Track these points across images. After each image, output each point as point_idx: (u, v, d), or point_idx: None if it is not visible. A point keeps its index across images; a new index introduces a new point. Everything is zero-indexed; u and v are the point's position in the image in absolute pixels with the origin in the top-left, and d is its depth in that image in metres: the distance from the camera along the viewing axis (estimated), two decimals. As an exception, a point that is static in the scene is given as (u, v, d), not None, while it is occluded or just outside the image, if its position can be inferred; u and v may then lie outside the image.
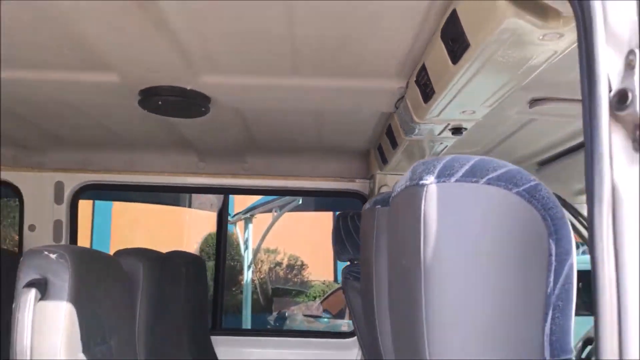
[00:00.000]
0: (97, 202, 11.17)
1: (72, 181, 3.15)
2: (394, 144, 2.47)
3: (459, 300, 1.05)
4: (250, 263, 9.08)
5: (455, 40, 1.37)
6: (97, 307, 1.72)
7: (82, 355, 1.59)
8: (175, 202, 7.08)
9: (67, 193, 3.15)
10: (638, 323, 0.77)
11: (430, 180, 1.08)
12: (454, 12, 1.35)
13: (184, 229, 11.31)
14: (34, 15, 1.44)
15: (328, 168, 3.09)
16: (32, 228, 3.14)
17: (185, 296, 2.58)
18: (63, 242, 3.11)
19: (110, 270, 1.88)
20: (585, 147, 0.88)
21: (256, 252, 9.10)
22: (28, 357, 1.41)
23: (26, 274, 1.51)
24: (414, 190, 1.06)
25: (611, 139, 0.86)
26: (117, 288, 1.90)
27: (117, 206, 11.56)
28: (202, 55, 1.74)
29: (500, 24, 1.19)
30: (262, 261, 10.74)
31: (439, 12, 1.42)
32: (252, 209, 8.92)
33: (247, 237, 9.09)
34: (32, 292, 1.45)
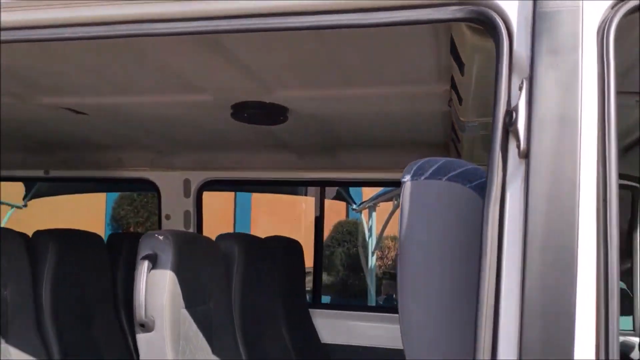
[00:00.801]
0: (238, 194, 12.29)
1: (197, 178, 3.77)
2: (458, 139, 2.72)
3: (425, 275, 1.37)
4: (374, 249, 9.49)
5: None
6: (197, 277, 2.22)
7: (184, 312, 2.10)
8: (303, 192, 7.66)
9: (193, 188, 3.78)
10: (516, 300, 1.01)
11: (407, 178, 1.42)
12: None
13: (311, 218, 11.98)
14: (139, 55, 1.94)
15: (410, 160, 3.36)
16: (167, 217, 3.81)
17: (281, 274, 3.04)
18: (191, 229, 3.74)
19: (208, 249, 2.38)
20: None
21: (379, 238, 9.47)
22: (143, 311, 1.93)
23: (143, 250, 2.04)
24: (400, 186, 1.40)
25: (503, 149, 1.13)
26: (214, 264, 2.40)
27: (256, 198, 12.51)
28: (273, 76, 2.16)
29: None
30: (388, 248, 11.09)
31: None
32: (375, 198, 9.32)
33: (371, 224, 9.51)
34: (146, 263, 1.98)
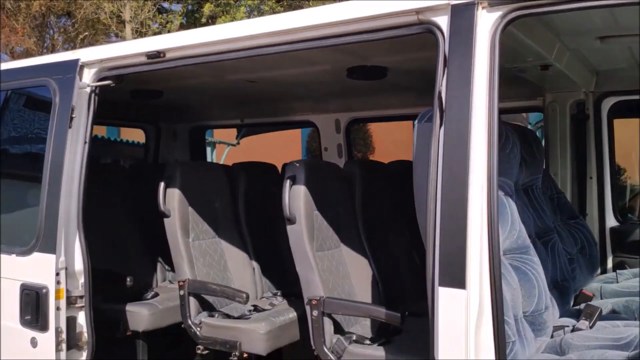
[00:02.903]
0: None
1: (344, 118, 4.79)
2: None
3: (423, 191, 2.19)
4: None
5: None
6: (325, 190, 3.25)
7: (316, 213, 3.16)
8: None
9: (342, 125, 4.81)
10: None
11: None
12: None
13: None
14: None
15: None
16: (326, 149, 4.92)
17: (402, 191, 3.92)
18: (343, 158, 4.81)
19: (334, 174, 3.41)
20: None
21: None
22: (287, 210, 3.04)
23: (287, 173, 3.13)
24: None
25: (439, 109, 1.95)
26: (339, 182, 3.42)
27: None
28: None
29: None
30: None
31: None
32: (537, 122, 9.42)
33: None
34: (288, 181, 3.06)
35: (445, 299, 1.91)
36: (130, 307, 3.79)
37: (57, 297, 2.78)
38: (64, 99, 2.87)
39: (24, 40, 16.79)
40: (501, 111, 1.95)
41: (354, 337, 2.91)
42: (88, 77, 2.99)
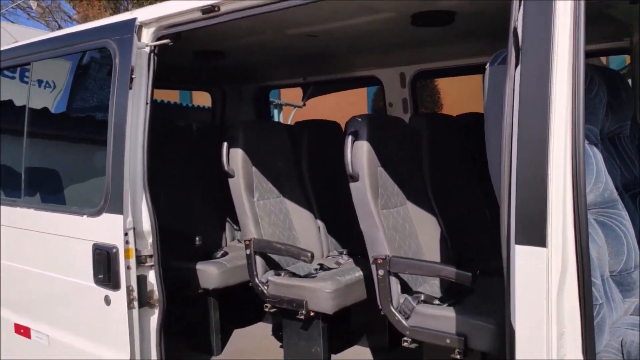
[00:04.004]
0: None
1: (409, 71, 4.51)
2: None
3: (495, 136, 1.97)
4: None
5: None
6: (388, 145, 3.06)
7: (380, 169, 2.99)
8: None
9: (407, 79, 4.54)
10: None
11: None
12: None
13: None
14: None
15: None
16: (390, 105, 4.68)
17: (471, 144, 3.66)
18: (408, 113, 4.56)
19: (399, 128, 3.20)
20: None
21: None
22: (350, 167, 2.88)
23: (349, 129, 2.95)
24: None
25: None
26: (404, 136, 3.21)
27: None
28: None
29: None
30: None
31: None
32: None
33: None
34: (350, 137, 2.89)
35: (523, 258, 1.69)
36: (200, 266, 3.80)
37: (127, 257, 2.77)
38: (123, 59, 2.80)
39: (101, 13, 17.22)
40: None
41: (422, 297, 2.75)
42: (147, 37, 2.91)
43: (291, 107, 11.62)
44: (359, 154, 2.89)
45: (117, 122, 2.77)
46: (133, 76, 2.76)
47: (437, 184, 3.32)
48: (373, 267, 2.86)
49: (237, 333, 4.21)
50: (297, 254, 3.29)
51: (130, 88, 2.77)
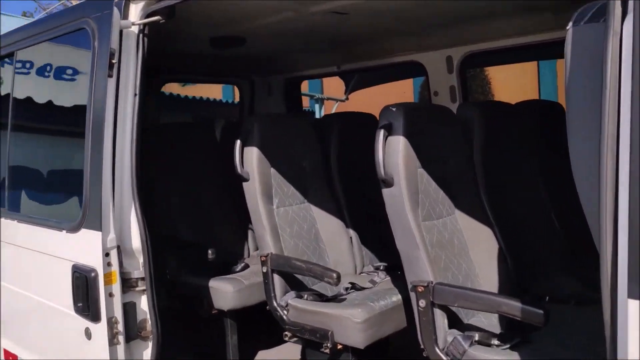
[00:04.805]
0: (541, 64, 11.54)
1: (458, 53, 3.84)
2: None
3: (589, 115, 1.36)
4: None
5: None
6: (432, 141, 2.45)
7: (420, 171, 2.38)
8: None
9: (455, 63, 3.88)
10: None
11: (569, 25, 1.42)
12: None
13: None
14: None
15: None
16: (436, 94, 4.02)
17: (535, 135, 2.99)
18: (457, 102, 3.90)
19: (443, 117, 2.57)
20: None
21: None
22: (382, 170, 2.29)
23: (381, 121, 2.36)
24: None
25: None
26: (452, 130, 2.58)
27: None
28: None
29: None
30: None
31: None
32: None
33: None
34: (382, 132, 2.29)
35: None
36: (213, 283, 3.27)
37: (108, 282, 2.27)
38: (102, 41, 2.29)
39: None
40: None
41: (476, 337, 2.11)
42: (135, 14, 2.40)
43: (333, 102, 11.04)
44: (394, 152, 2.29)
45: (95, 118, 2.27)
46: (113, 61, 2.25)
47: (493, 188, 2.68)
48: (412, 295, 2.26)
49: (260, 355, 3.68)
50: (321, 274, 2.71)
51: (110, 76, 2.26)
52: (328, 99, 11.23)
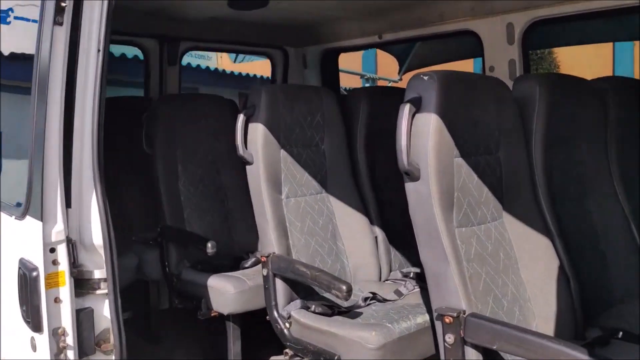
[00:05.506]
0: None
1: (521, 20, 3.17)
2: None
3: None
4: None
5: None
6: (476, 123, 1.86)
7: (458, 161, 1.79)
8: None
9: (517, 33, 3.20)
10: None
11: None
12: None
13: None
14: None
15: None
16: (491, 69, 3.36)
17: (612, 119, 2.34)
18: (516, 79, 3.23)
19: (493, 93, 1.95)
20: None
21: None
22: (405, 158, 1.72)
23: (408, 94, 1.79)
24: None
25: None
26: (504, 108, 1.97)
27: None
28: None
29: None
30: None
31: None
32: None
33: None
34: (407, 107, 1.72)
35: None
36: (213, 282, 2.80)
37: (53, 284, 1.82)
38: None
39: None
40: None
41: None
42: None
43: (386, 82, 10.39)
44: (422, 135, 1.71)
45: (40, 77, 1.80)
46: (63, 4, 1.76)
47: (555, 188, 2.06)
48: (438, 326, 1.70)
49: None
50: (328, 284, 2.16)
51: (59, 24, 1.77)
52: (380, 78, 10.60)
